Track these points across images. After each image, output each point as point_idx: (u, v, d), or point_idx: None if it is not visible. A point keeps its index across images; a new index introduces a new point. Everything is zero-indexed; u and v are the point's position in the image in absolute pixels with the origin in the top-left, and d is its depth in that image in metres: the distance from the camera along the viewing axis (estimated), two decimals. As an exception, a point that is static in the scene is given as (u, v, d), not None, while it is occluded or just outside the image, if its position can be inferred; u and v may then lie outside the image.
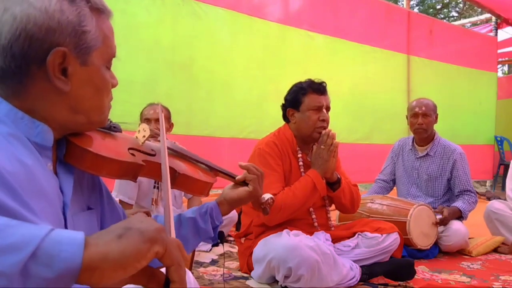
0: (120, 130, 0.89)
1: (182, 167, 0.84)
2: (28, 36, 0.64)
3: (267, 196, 1.12)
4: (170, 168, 0.75)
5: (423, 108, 2.96)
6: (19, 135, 0.66)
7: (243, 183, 1.07)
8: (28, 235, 0.42)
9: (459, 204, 2.88)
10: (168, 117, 2.69)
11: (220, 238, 1.06)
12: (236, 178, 1.07)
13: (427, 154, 3.03)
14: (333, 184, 2.19)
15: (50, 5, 0.65)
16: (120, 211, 0.94)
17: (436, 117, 3.03)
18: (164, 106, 2.70)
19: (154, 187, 2.52)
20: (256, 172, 1.06)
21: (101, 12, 0.72)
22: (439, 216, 2.75)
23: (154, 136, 0.93)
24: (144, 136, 0.88)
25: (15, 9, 0.64)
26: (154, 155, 0.88)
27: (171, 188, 0.81)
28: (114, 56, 0.76)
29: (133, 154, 0.82)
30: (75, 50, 0.68)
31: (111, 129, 0.87)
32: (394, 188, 3.34)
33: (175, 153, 0.95)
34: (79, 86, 0.69)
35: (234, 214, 2.88)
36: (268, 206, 1.12)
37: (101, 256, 0.45)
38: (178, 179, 0.78)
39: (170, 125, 2.70)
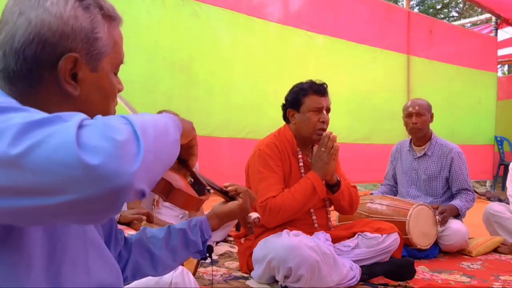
0: None
1: (178, 181, 0.85)
2: (41, 40, 0.65)
3: (254, 215, 1.14)
4: (166, 181, 0.77)
5: (417, 108, 2.97)
6: None
7: (233, 198, 1.09)
8: (174, 120, 0.68)
9: (456, 202, 2.88)
10: None
11: (209, 253, 1.06)
12: (228, 188, 1.08)
13: (424, 154, 3.03)
14: (333, 187, 2.19)
15: (65, 12, 0.66)
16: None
17: (432, 117, 3.03)
18: (177, 115, 2.69)
19: None
20: (243, 187, 1.10)
21: (112, 19, 0.73)
22: (438, 217, 2.76)
23: None
24: None
25: (30, 13, 0.65)
26: None
27: (165, 201, 0.82)
28: (122, 63, 0.77)
29: None
30: (86, 56, 0.69)
31: None
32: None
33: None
34: (88, 91, 0.70)
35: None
36: (254, 225, 1.14)
37: (184, 128, 0.72)
38: (172, 193, 0.79)
39: None
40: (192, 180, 0.88)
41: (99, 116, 0.56)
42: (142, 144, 0.54)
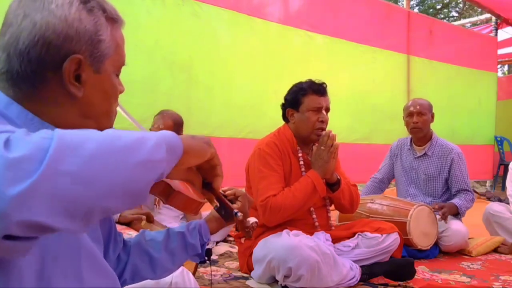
0: None
1: (177, 184, 0.85)
2: (46, 43, 0.66)
3: (252, 219, 1.14)
4: (166, 184, 0.77)
5: (418, 107, 2.97)
6: None
7: (232, 202, 1.08)
8: (161, 137, 0.59)
9: (455, 200, 2.89)
10: (181, 124, 2.65)
11: (207, 256, 1.06)
12: (226, 192, 1.08)
13: (425, 154, 3.03)
14: (333, 185, 2.19)
15: (70, 14, 0.67)
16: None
17: (432, 116, 3.03)
18: (178, 115, 2.66)
19: None
20: (241, 191, 1.09)
21: (115, 21, 0.74)
22: (438, 215, 2.76)
23: None
24: None
25: (35, 16, 0.66)
26: None
27: (164, 203, 0.81)
28: (124, 65, 0.77)
29: None
30: (90, 58, 0.69)
31: None
32: (394, 188, 3.34)
33: None
34: (91, 92, 0.71)
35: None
36: (252, 229, 1.14)
37: (188, 146, 0.65)
38: (171, 196, 0.79)
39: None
40: (218, 204, 0.83)
41: (22, 130, 0.49)
42: (46, 163, 0.45)
